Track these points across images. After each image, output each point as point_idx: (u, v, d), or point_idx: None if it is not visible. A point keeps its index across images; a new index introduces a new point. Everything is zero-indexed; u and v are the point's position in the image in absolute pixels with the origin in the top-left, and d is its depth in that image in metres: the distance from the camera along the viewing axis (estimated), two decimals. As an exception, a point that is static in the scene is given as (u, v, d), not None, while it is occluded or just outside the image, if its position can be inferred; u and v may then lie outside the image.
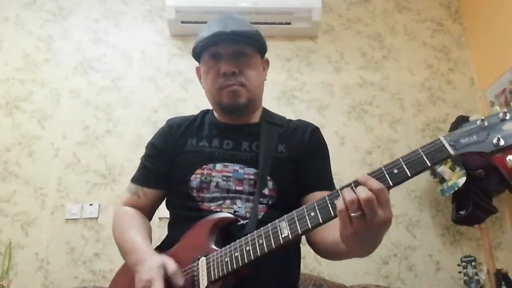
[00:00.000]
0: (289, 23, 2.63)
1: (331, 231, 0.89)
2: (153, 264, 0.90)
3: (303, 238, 1.01)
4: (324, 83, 2.63)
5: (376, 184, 0.72)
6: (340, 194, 0.75)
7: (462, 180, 2.05)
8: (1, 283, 1.92)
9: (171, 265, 0.90)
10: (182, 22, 2.55)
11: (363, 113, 2.57)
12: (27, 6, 2.71)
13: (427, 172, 2.24)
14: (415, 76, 2.68)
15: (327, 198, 0.78)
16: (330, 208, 0.77)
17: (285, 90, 2.60)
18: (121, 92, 2.55)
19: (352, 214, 0.71)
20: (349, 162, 2.42)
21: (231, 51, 1.10)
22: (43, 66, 2.58)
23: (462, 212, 2.14)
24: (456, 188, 2.08)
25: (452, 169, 2.12)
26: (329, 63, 2.69)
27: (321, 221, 0.78)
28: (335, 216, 0.76)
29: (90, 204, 2.28)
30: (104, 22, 2.72)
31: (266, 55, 1.27)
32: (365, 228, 0.72)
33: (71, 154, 2.39)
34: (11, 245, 2.13)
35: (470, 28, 2.78)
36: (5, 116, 2.45)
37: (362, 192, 0.71)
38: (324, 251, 1.01)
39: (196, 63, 1.23)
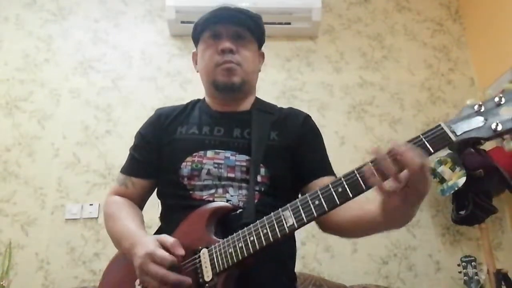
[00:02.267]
0: (289, 23, 2.63)
1: (357, 206, 0.89)
2: (148, 240, 0.89)
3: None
4: (324, 83, 2.63)
5: (418, 154, 0.71)
6: (370, 167, 0.74)
7: (462, 180, 2.05)
8: (1, 283, 1.92)
9: (169, 238, 0.89)
10: (182, 22, 2.55)
11: (363, 113, 2.57)
12: (27, 6, 2.71)
13: (427, 172, 2.24)
14: (415, 76, 2.68)
15: (330, 186, 0.79)
16: (335, 196, 0.78)
17: (285, 90, 2.60)
18: (121, 92, 2.55)
19: (392, 186, 0.72)
20: (349, 162, 2.42)
21: (231, 32, 1.12)
22: (43, 66, 2.58)
23: (462, 212, 2.14)
24: (456, 188, 2.08)
25: (452, 169, 2.12)
26: (329, 63, 2.69)
27: (326, 209, 0.78)
28: (340, 204, 0.77)
29: (90, 204, 2.28)
30: (104, 22, 2.72)
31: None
32: (412, 196, 0.73)
33: (71, 154, 2.38)
34: (11, 245, 2.12)
35: (470, 28, 2.78)
36: (5, 116, 2.45)
37: (409, 158, 0.69)
38: (349, 229, 0.99)
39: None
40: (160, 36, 2.70)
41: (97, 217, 2.26)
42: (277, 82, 2.60)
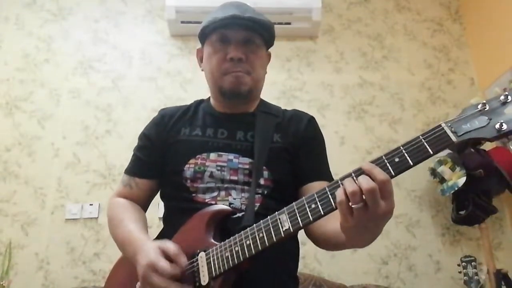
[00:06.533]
0: (289, 23, 2.63)
1: (331, 222, 0.87)
2: (151, 248, 0.89)
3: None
4: (324, 83, 2.63)
5: (381, 174, 0.69)
6: (341, 185, 0.73)
7: (462, 180, 2.05)
8: (1, 283, 1.92)
9: (172, 245, 0.88)
10: (182, 22, 2.55)
11: (363, 113, 2.57)
12: (27, 6, 2.71)
13: (427, 172, 2.25)
14: (415, 76, 2.68)
15: (327, 189, 0.76)
16: (331, 200, 0.75)
17: (285, 90, 2.60)
18: (121, 92, 2.55)
19: (354, 206, 0.69)
20: (349, 162, 2.41)
21: (241, 37, 1.09)
22: (43, 66, 2.58)
23: (462, 212, 2.14)
24: (456, 188, 2.08)
25: (452, 169, 2.12)
26: (329, 63, 2.69)
27: (322, 213, 0.76)
28: (337, 208, 0.74)
29: (90, 204, 2.28)
30: (104, 22, 2.72)
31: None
32: (367, 220, 0.70)
33: (71, 154, 2.39)
34: (11, 245, 2.13)
35: (470, 28, 2.78)
36: (5, 116, 2.45)
37: (365, 183, 0.68)
38: (324, 242, 0.99)
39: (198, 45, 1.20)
40: (160, 36, 2.70)
41: (97, 217, 2.26)
42: (277, 82, 2.61)
